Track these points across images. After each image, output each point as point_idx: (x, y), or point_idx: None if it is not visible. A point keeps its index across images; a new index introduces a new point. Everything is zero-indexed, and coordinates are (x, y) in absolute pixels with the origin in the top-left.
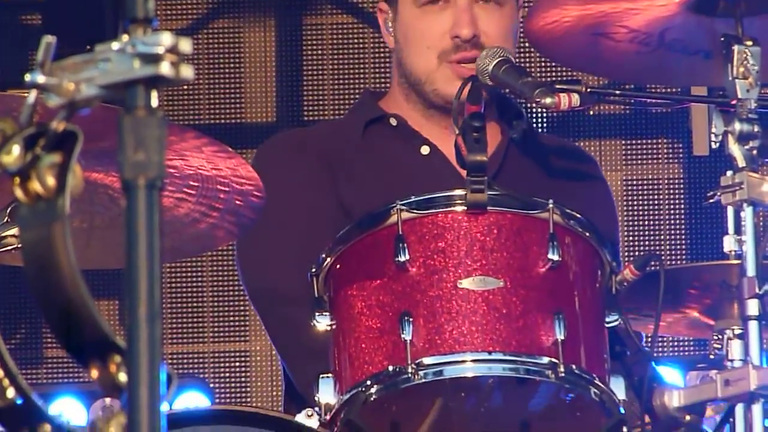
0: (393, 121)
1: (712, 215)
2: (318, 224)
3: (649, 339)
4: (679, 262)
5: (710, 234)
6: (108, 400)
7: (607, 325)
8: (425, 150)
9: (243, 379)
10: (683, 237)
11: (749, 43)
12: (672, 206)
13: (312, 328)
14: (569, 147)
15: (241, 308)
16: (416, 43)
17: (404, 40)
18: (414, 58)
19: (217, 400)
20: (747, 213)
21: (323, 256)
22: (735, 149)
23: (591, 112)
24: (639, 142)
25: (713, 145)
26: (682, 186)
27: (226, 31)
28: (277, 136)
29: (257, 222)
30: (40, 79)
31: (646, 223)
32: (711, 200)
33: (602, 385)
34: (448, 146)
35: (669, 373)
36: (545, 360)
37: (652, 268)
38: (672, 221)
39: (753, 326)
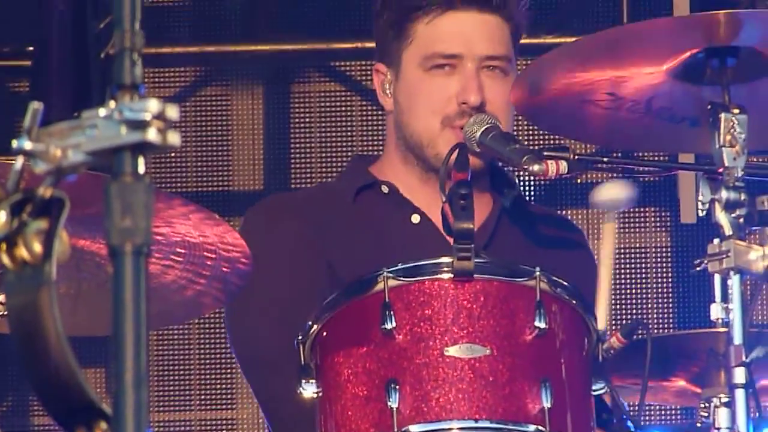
0: (384, 188)
1: (699, 283)
2: (306, 290)
3: (636, 407)
4: (666, 330)
5: (697, 302)
6: None
7: (593, 393)
8: (416, 218)
9: None
10: (670, 305)
11: (736, 111)
12: (659, 274)
13: (299, 396)
14: (557, 217)
15: (228, 376)
16: (420, 107)
17: (407, 103)
18: (417, 121)
19: None
20: (734, 281)
21: (309, 323)
22: (722, 217)
23: (579, 180)
24: (626, 210)
25: (700, 213)
26: (669, 254)
27: (213, 98)
28: (267, 199)
29: (246, 286)
30: (27, 145)
31: (634, 291)
32: (698, 268)
33: None
34: (440, 215)
35: None
36: (532, 428)
37: (639, 336)
38: (659, 289)
39: (740, 394)
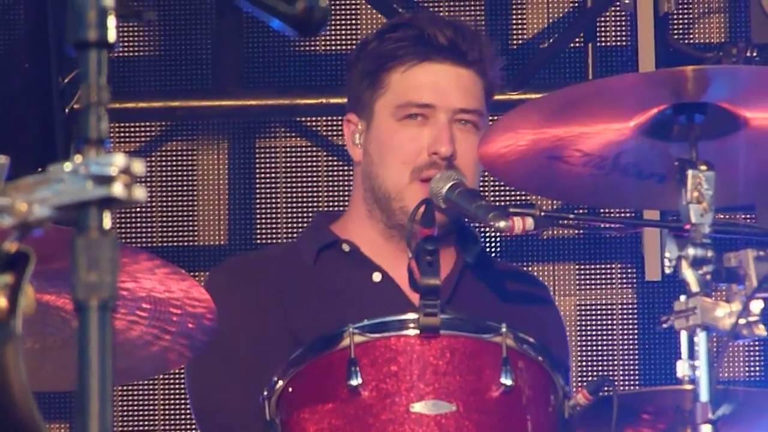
0: (345, 247)
1: (665, 340)
2: (266, 352)
3: None
4: (632, 387)
5: (663, 359)
6: None
7: None
8: (377, 277)
9: None
10: (636, 362)
11: (703, 167)
12: (625, 331)
13: None
14: (521, 273)
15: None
16: (391, 157)
17: (377, 153)
18: (386, 172)
19: None
20: (701, 338)
21: (275, 379)
22: (688, 274)
23: (545, 236)
24: (592, 266)
25: (667, 270)
26: (634, 310)
27: (179, 152)
28: (227, 263)
29: (207, 346)
30: None
31: (599, 347)
32: (664, 325)
33: None
34: (402, 272)
35: None
36: None
37: (605, 392)
38: (625, 346)
39: None
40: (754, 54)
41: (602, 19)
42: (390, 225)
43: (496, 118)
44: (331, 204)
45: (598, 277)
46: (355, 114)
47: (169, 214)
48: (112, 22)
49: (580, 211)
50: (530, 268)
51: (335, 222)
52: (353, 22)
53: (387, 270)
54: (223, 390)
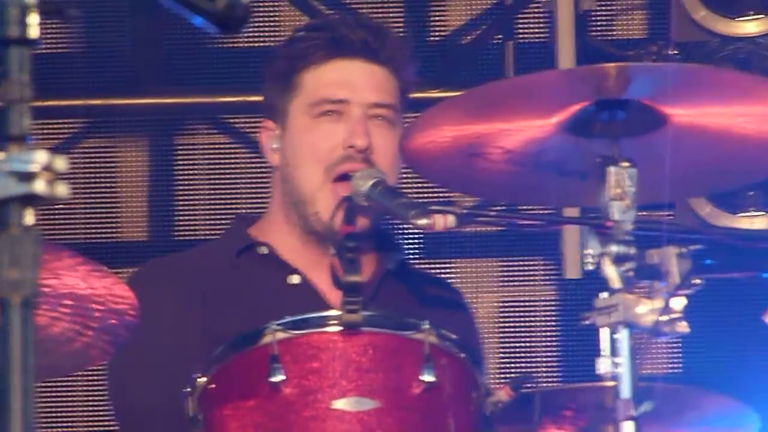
0: (264, 250)
1: (586, 336)
2: (185, 353)
3: None
4: (553, 383)
5: (584, 355)
6: None
7: None
8: (295, 279)
9: None
10: (557, 358)
11: (626, 164)
12: (545, 327)
13: None
14: (438, 280)
15: (113, 429)
16: (306, 157)
17: (292, 154)
18: (301, 173)
19: None
20: (622, 334)
21: (198, 375)
22: (611, 271)
23: (466, 230)
24: (514, 262)
25: (590, 267)
26: (556, 307)
27: (100, 149)
28: (148, 265)
29: (127, 345)
30: None
31: (521, 344)
32: (585, 322)
33: None
34: (320, 276)
35: None
36: None
37: (527, 389)
38: (545, 342)
39: None
40: (675, 52)
41: (521, 16)
42: (306, 230)
43: (415, 116)
44: (251, 201)
45: (519, 273)
46: (271, 120)
47: (91, 210)
48: (34, 18)
49: (502, 207)
50: (452, 265)
51: (254, 225)
52: (274, 19)
53: (305, 273)
54: (141, 389)
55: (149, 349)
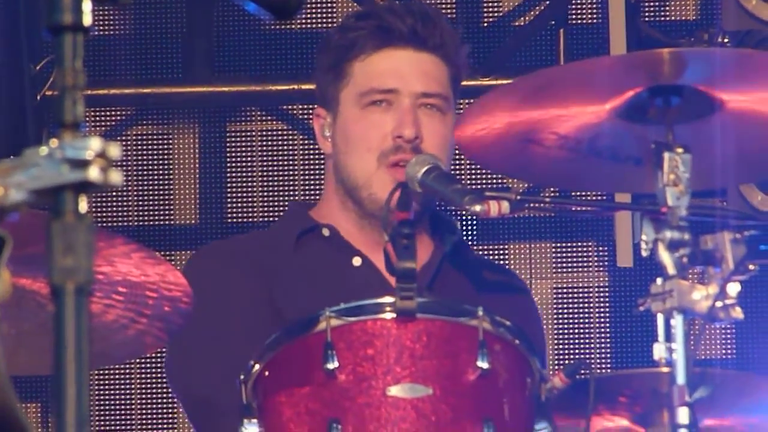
0: (326, 232)
1: (641, 322)
2: (252, 332)
3: None
4: (608, 369)
5: (639, 341)
6: None
7: None
8: (357, 261)
9: None
10: (612, 344)
11: (680, 150)
12: (600, 313)
13: None
14: (498, 265)
15: (169, 416)
16: (356, 145)
17: (344, 143)
18: (353, 161)
19: None
20: (677, 321)
21: (252, 362)
22: (665, 257)
23: (521, 214)
24: (568, 246)
25: (644, 253)
26: (611, 293)
27: (152, 136)
28: (208, 246)
29: (187, 329)
30: None
31: (576, 330)
32: (641, 308)
33: None
34: (380, 257)
35: None
36: None
37: (582, 375)
38: (601, 328)
39: None
40: (725, 40)
41: (574, 2)
42: (362, 214)
43: (468, 103)
44: (304, 186)
45: (574, 259)
46: (323, 108)
47: (144, 197)
48: (87, 5)
49: (556, 193)
50: (506, 249)
51: (313, 208)
52: (328, 5)
53: (367, 254)
54: (206, 370)
55: (214, 329)
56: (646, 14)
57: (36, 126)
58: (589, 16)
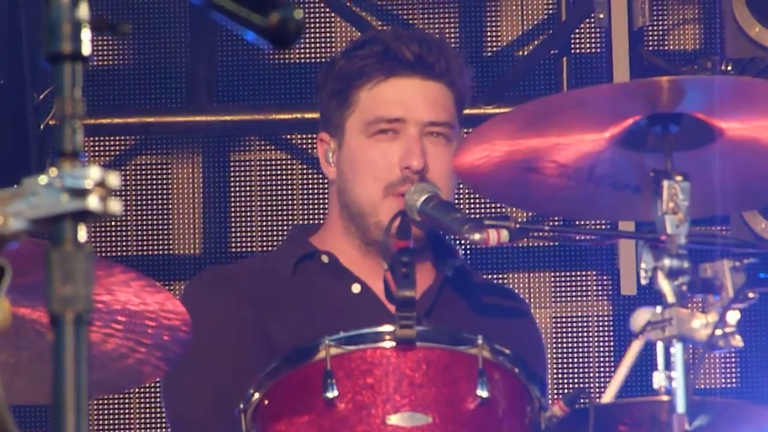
0: (325, 258)
1: (643, 351)
2: (244, 363)
3: None
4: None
5: (639, 370)
6: None
7: None
8: (356, 288)
9: None
10: (612, 373)
11: (679, 178)
12: (600, 342)
13: None
14: (500, 287)
15: None
16: (363, 174)
17: (350, 170)
18: (359, 189)
19: None
20: (677, 349)
21: (251, 391)
22: (664, 285)
23: (520, 244)
24: (568, 276)
25: (643, 281)
26: (610, 321)
27: (153, 166)
28: (205, 273)
29: (183, 357)
30: None
31: (575, 359)
32: (640, 336)
33: None
34: (380, 285)
35: None
36: None
37: (581, 404)
38: (601, 357)
39: None
40: (729, 68)
41: (577, 31)
42: (366, 241)
43: (468, 131)
44: (305, 215)
45: (573, 288)
46: (327, 133)
47: (144, 226)
48: (86, 35)
49: (556, 222)
50: (506, 279)
51: (313, 234)
52: (328, 34)
53: (366, 281)
54: (200, 402)
55: (207, 359)
56: (649, 43)
57: (39, 155)
58: (592, 45)
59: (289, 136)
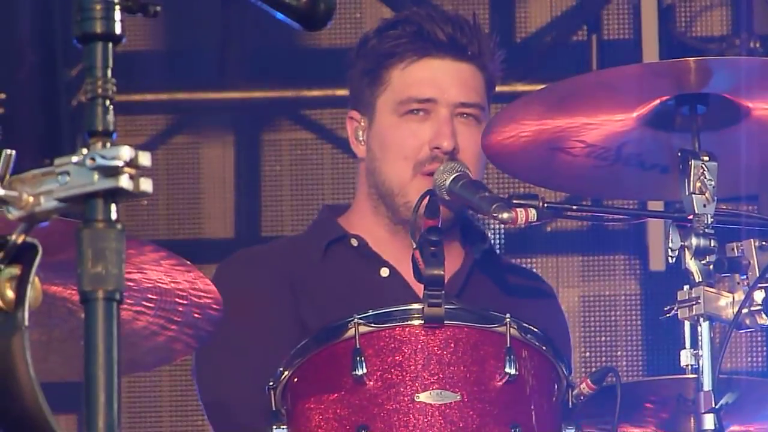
0: (354, 242)
1: (669, 330)
2: (276, 342)
3: None
4: (635, 376)
5: (666, 348)
6: None
7: None
8: (385, 272)
9: None
10: (640, 351)
11: (706, 158)
12: (628, 321)
13: None
14: (527, 271)
15: (199, 422)
16: (393, 153)
17: (379, 149)
18: (388, 168)
19: None
20: (703, 327)
21: (281, 369)
22: (692, 264)
23: (548, 228)
24: (596, 258)
25: (670, 260)
26: (638, 301)
27: (184, 146)
28: (237, 254)
29: (215, 336)
30: (0, 192)
31: (603, 337)
32: (668, 315)
33: None
34: (409, 267)
35: None
36: None
37: (609, 382)
38: (628, 336)
39: None
40: (757, 45)
41: (606, 10)
42: (395, 221)
43: (499, 108)
44: (336, 196)
45: (601, 268)
46: (357, 111)
47: (175, 206)
48: (117, 14)
49: (584, 202)
50: (534, 261)
51: (342, 216)
52: (358, 14)
53: (394, 265)
54: (232, 380)
55: (240, 338)
56: (679, 23)
57: (70, 131)
58: (622, 27)
59: (319, 115)
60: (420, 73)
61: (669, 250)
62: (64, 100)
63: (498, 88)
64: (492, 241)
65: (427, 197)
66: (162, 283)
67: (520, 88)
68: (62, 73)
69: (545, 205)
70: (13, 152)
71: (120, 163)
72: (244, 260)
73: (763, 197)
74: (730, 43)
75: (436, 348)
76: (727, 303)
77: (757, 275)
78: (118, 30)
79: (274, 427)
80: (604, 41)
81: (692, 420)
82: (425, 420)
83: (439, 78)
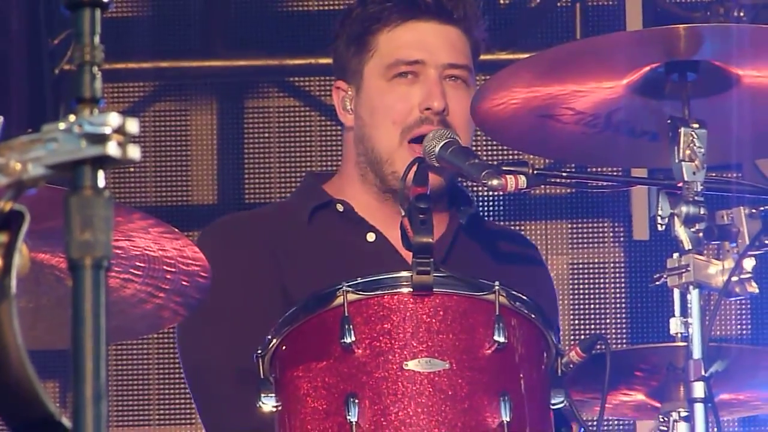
0: (340, 207)
1: (657, 298)
2: (259, 310)
3: (595, 421)
4: (624, 344)
5: (655, 316)
6: None
7: (552, 407)
8: (371, 237)
9: None
10: (628, 319)
11: (695, 125)
12: (617, 288)
13: (257, 409)
14: (512, 233)
15: (186, 390)
16: (382, 118)
17: (368, 115)
18: (378, 133)
19: None
20: (693, 295)
21: (269, 337)
22: (681, 232)
23: (536, 193)
24: (583, 224)
25: (659, 228)
26: (626, 268)
27: (170, 113)
28: (221, 220)
29: (198, 305)
30: None
31: (592, 305)
32: (657, 282)
33: None
34: (396, 233)
35: None
36: None
37: (598, 350)
38: (617, 303)
39: (699, 409)
40: (741, 14)
41: None
42: (383, 189)
43: (485, 78)
44: (322, 163)
45: (589, 235)
46: (344, 81)
47: (162, 173)
48: None
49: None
50: (522, 227)
51: (327, 182)
52: None
53: (381, 230)
54: (213, 349)
55: (222, 306)
56: None
57: (54, 99)
58: None
59: (305, 82)
60: (407, 36)
61: (659, 217)
62: (48, 68)
63: (484, 57)
64: (479, 208)
65: (416, 165)
66: (150, 250)
67: (504, 56)
68: (46, 41)
69: (534, 171)
70: (2, 118)
71: (108, 130)
72: (226, 227)
73: (747, 165)
74: (714, 11)
75: (424, 316)
76: (716, 271)
77: (747, 243)
78: None
79: (263, 394)
80: (588, 7)
81: (682, 388)
82: (414, 388)
83: (427, 40)
